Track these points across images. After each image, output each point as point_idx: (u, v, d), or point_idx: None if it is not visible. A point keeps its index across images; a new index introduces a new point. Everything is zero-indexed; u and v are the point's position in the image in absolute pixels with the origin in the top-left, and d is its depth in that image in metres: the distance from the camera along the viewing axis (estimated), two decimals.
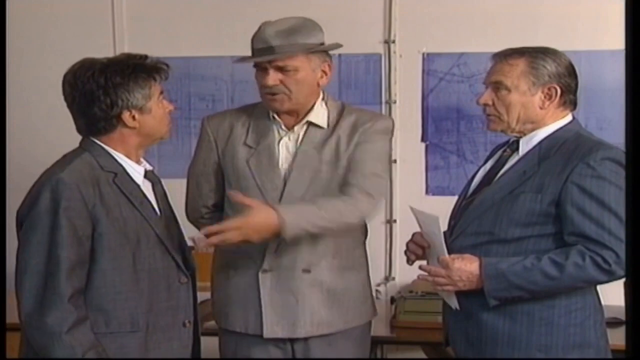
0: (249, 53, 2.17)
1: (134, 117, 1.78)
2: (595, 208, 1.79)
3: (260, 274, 2.09)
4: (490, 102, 1.91)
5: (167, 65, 1.83)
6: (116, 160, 1.80)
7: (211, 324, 2.36)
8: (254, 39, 2.07)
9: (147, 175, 1.85)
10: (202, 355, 2.36)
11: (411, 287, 2.84)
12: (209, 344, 2.55)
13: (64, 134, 1.89)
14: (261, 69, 2.06)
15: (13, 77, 3.00)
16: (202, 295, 2.61)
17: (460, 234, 1.93)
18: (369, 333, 2.26)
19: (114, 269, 1.75)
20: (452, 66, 3.07)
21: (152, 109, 1.79)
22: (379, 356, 2.95)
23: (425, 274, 1.92)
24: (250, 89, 3.11)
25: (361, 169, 2.08)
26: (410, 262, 2.05)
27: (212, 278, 2.22)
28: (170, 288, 1.83)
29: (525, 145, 1.92)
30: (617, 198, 1.79)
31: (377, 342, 2.75)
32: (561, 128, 1.91)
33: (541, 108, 1.90)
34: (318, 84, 2.10)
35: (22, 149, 2.77)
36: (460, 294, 1.91)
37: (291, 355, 2.13)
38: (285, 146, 2.11)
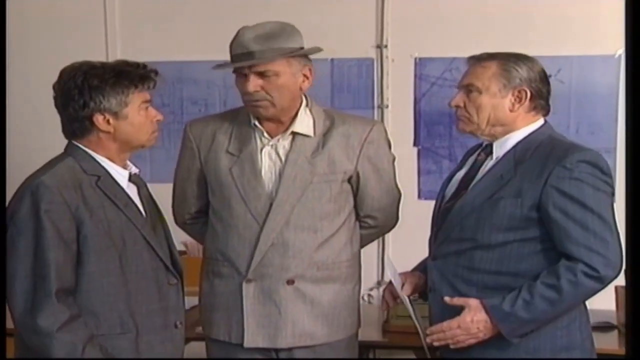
0: None
1: (108, 122, 1.78)
2: (578, 210, 1.80)
3: (244, 284, 2.07)
4: (461, 104, 1.93)
5: (155, 72, 1.83)
6: (99, 164, 1.81)
7: (201, 329, 2.35)
8: (232, 45, 2.05)
9: (132, 178, 1.86)
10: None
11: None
12: (200, 350, 2.55)
13: (60, 136, 1.89)
14: (241, 75, 2.03)
15: (10, 85, 3.00)
16: (192, 301, 2.63)
17: (444, 240, 1.94)
18: (356, 344, 2.23)
19: (101, 271, 1.76)
20: (444, 71, 3.08)
21: (128, 116, 1.78)
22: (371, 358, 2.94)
23: (436, 337, 1.92)
24: None
25: (378, 204, 2.16)
26: (384, 309, 2.20)
27: (200, 284, 2.21)
28: (161, 290, 1.84)
29: (500, 149, 1.93)
30: (596, 200, 1.81)
31: (369, 346, 2.76)
32: (534, 132, 1.92)
33: (511, 111, 1.91)
34: (300, 89, 2.06)
35: (20, 151, 2.76)
36: (444, 295, 1.92)
37: None
38: (267, 155, 2.08)
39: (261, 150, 2.08)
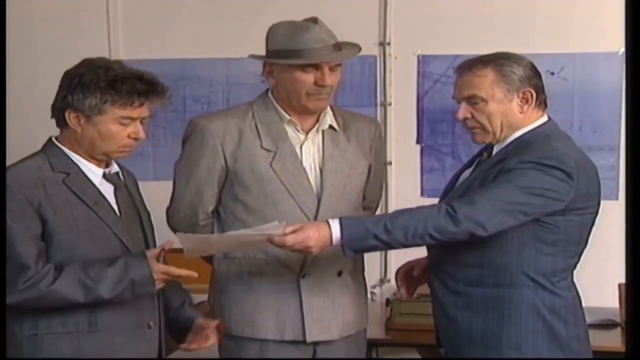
0: (243, 55, 2.17)
1: (78, 121, 1.77)
2: (481, 190, 1.84)
3: (301, 279, 2.08)
4: (469, 116, 1.93)
5: (159, 95, 1.79)
6: (71, 160, 1.81)
7: None
8: (306, 39, 2.00)
9: (108, 177, 1.84)
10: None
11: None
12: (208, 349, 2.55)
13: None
14: (313, 69, 2.02)
15: (9, 83, 3.00)
16: (197, 298, 2.63)
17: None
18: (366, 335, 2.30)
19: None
20: (447, 68, 3.06)
21: (99, 124, 1.76)
22: (374, 357, 2.95)
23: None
24: (245, 91, 3.16)
25: (377, 196, 2.28)
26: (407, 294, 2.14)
27: (224, 287, 2.15)
28: None
29: (498, 148, 1.95)
30: (507, 194, 1.81)
31: (372, 344, 2.75)
32: (531, 130, 1.93)
33: (520, 112, 1.92)
34: None
35: (23, 148, 2.76)
36: (438, 292, 1.95)
37: (312, 356, 2.12)
38: (306, 149, 2.10)
39: (300, 145, 2.10)
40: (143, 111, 1.79)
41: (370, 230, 1.83)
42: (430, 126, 3.13)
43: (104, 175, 1.84)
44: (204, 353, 2.37)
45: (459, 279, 1.92)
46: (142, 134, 1.80)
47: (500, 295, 1.88)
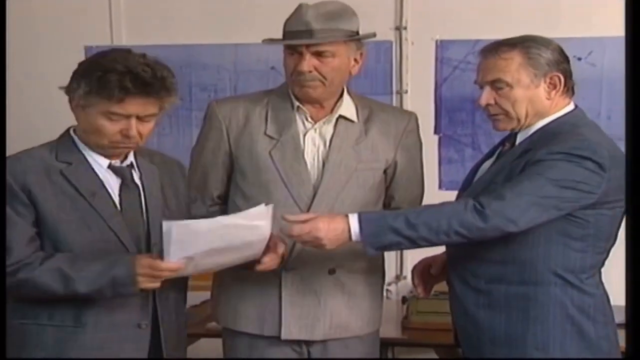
0: (252, 40, 2.17)
1: (77, 110, 1.79)
2: (510, 184, 1.82)
3: (283, 273, 2.07)
4: (492, 102, 1.91)
5: (132, 93, 1.74)
6: (78, 150, 1.83)
7: (215, 324, 2.35)
8: (290, 21, 2.05)
9: (116, 169, 1.85)
10: (206, 356, 2.37)
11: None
12: (210, 346, 2.58)
13: (66, 120, 1.89)
14: (296, 54, 2.04)
15: (9, 70, 3.02)
16: (203, 296, 2.65)
17: None
18: (378, 339, 2.27)
19: None
20: (467, 54, 3.05)
21: (89, 115, 1.78)
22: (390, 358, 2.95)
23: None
24: (254, 78, 3.17)
25: (409, 196, 2.20)
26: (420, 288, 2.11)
27: (217, 277, 2.20)
28: None
29: (522, 137, 1.93)
30: (540, 186, 1.79)
31: (388, 344, 2.75)
32: (558, 119, 1.92)
33: (547, 99, 1.90)
34: (350, 73, 2.10)
35: (26, 136, 2.78)
36: (458, 290, 1.93)
37: (307, 357, 2.12)
38: (311, 139, 2.10)
39: (304, 134, 2.09)
40: (133, 108, 1.75)
41: (391, 225, 1.80)
42: (449, 115, 3.11)
43: (110, 167, 1.84)
44: (204, 352, 2.39)
45: (480, 275, 1.90)
46: (132, 132, 1.77)
47: (525, 293, 1.86)
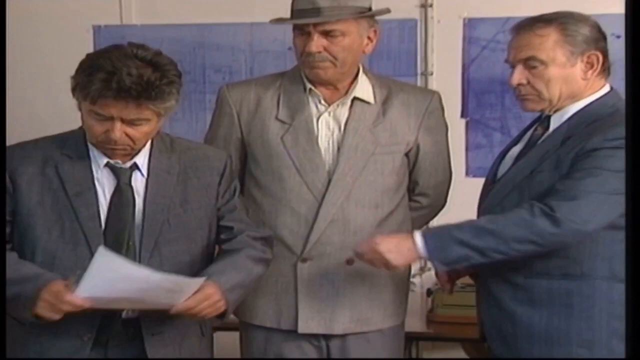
0: (268, 19, 2.12)
1: (79, 102, 1.78)
2: (573, 183, 1.77)
3: (299, 264, 2.05)
4: (524, 81, 1.87)
5: (107, 96, 1.71)
6: (85, 144, 1.83)
7: (231, 317, 2.37)
8: (296, 0, 2.03)
9: (114, 170, 1.82)
10: (219, 353, 2.36)
11: None
12: (226, 340, 2.57)
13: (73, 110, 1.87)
14: (304, 34, 2.01)
15: (13, 51, 3.02)
16: None
17: None
18: (403, 333, 2.25)
19: (20, 255, 1.80)
20: (496, 32, 3.01)
21: (82, 111, 1.78)
22: (413, 355, 2.93)
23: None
24: (271, 59, 3.15)
25: (434, 180, 2.20)
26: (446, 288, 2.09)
27: None
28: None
29: (557, 122, 1.90)
30: (608, 182, 1.76)
31: (412, 338, 2.72)
32: (595, 101, 1.88)
33: (583, 79, 1.87)
34: (363, 52, 2.07)
35: (32, 118, 2.79)
36: (490, 284, 1.89)
37: (326, 352, 2.12)
38: (325, 123, 2.07)
39: (318, 118, 2.07)
40: (113, 111, 1.71)
41: (456, 236, 1.78)
42: (477, 98, 3.07)
43: (107, 165, 1.81)
44: (220, 346, 2.38)
45: (518, 269, 1.86)
46: (114, 135, 1.73)
47: (569, 287, 1.83)
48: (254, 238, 1.93)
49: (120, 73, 1.69)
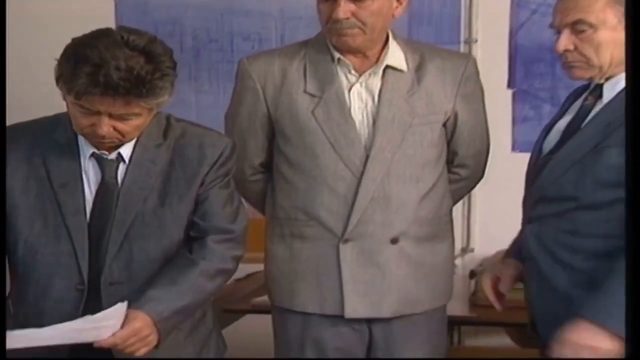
0: None
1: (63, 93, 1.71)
2: None
3: (340, 245, 2.04)
4: (571, 47, 1.82)
5: (91, 92, 1.64)
6: (74, 132, 1.77)
7: (262, 300, 2.36)
8: None
9: (99, 161, 1.77)
10: (251, 337, 2.36)
11: (495, 260, 2.80)
12: (257, 323, 2.57)
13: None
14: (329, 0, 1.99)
15: (35, 22, 3.03)
16: (248, 268, 2.64)
17: (540, 200, 1.87)
18: (446, 316, 2.22)
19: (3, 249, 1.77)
20: None
21: (66, 99, 1.70)
22: (455, 340, 2.92)
23: None
24: (303, 26, 3.09)
25: (472, 150, 2.18)
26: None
27: (268, 251, 2.16)
28: (65, 289, 1.77)
29: (610, 91, 1.84)
30: None
31: (454, 322, 2.70)
32: None
33: None
34: (392, 16, 2.04)
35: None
36: (543, 266, 1.86)
37: (368, 337, 2.10)
38: (357, 94, 2.05)
39: (349, 89, 2.05)
40: (100, 106, 1.64)
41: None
42: (525, 67, 3.02)
43: (93, 155, 1.76)
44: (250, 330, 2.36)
45: (577, 250, 1.82)
46: (101, 131, 1.66)
47: None
48: (218, 242, 1.82)
49: (108, 66, 1.60)
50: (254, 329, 2.67)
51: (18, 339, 1.62)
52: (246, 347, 2.97)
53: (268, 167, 2.16)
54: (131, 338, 1.66)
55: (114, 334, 1.65)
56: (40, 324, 1.69)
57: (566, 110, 1.95)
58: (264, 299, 2.34)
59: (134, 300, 1.69)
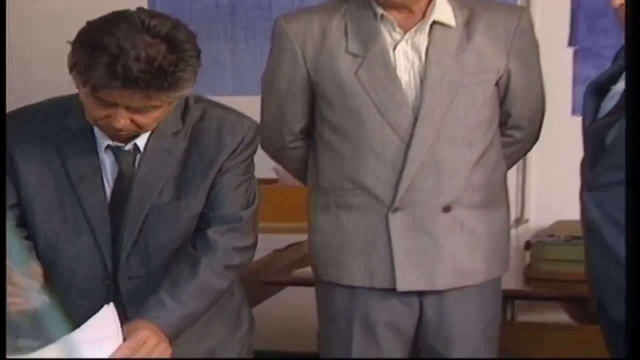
0: None
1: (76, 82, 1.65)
2: None
3: (390, 214, 2.02)
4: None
5: (108, 86, 1.57)
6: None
7: (303, 271, 2.35)
8: None
9: (115, 153, 1.74)
10: (291, 310, 2.35)
11: (552, 231, 2.73)
12: (298, 296, 2.56)
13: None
14: None
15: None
16: (288, 239, 2.63)
17: (605, 169, 1.82)
18: (500, 288, 2.18)
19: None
20: None
21: (80, 89, 1.64)
22: (508, 316, 2.88)
23: None
24: None
25: (527, 110, 2.13)
26: None
27: (312, 222, 2.14)
28: (91, 284, 1.77)
29: None
30: None
31: (508, 297, 2.61)
32: None
33: None
34: None
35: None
36: (607, 236, 1.81)
37: (418, 311, 2.08)
38: (403, 53, 2.01)
39: (394, 47, 2.01)
40: (118, 99, 1.57)
41: None
42: (589, 22, 2.98)
43: (109, 147, 1.72)
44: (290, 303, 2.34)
45: None
46: (117, 124, 1.61)
47: None
48: (221, 234, 1.76)
49: (127, 56, 1.53)
50: (295, 302, 2.67)
51: None
52: (286, 322, 2.97)
53: (309, 133, 2.12)
54: (140, 351, 1.62)
55: (119, 347, 1.61)
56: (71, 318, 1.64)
57: (622, 70, 1.88)
58: (305, 270, 2.33)
59: (140, 307, 1.67)
